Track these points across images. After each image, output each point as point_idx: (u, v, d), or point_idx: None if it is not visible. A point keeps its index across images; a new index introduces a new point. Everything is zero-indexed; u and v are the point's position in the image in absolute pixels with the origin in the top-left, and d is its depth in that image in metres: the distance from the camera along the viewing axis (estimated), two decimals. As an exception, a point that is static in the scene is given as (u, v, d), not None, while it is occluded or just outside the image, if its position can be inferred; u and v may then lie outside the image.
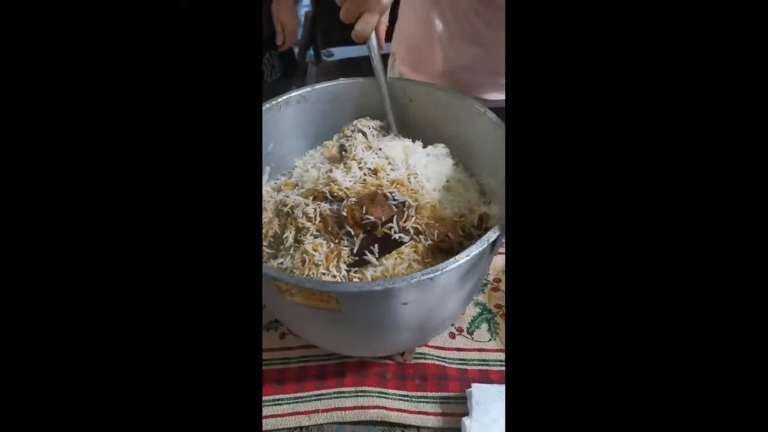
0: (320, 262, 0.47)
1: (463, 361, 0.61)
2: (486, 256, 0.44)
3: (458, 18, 0.76)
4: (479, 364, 0.60)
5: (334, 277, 0.47)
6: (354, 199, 0.52)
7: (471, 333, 0.64)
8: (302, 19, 1.51)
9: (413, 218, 0.50)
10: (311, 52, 1.53)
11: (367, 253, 0.47)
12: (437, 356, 0.61)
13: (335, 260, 0.47)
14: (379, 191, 0.52)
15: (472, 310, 0.66)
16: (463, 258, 0.39)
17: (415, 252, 0.49)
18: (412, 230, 0.49)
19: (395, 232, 0.48)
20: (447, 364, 0.60)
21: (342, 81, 0.65)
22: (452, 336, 0.63)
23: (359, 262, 0.48)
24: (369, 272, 0.48)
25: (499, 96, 0.84)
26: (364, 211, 0.51)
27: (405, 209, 0.50)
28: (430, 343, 0.62)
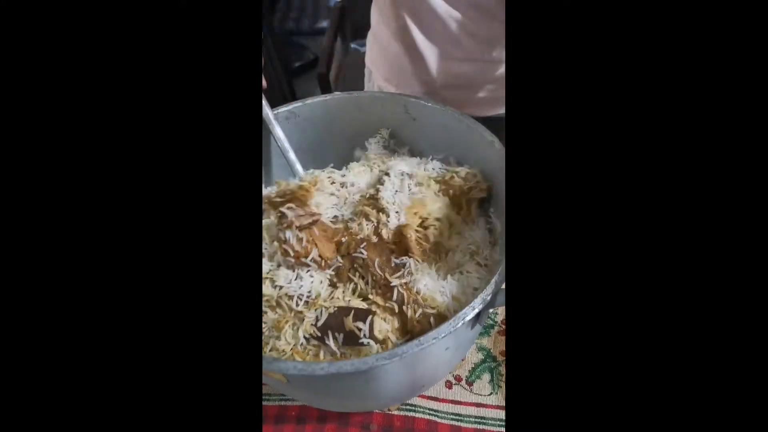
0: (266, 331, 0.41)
1: (458, 417, 0.54)
2: (467, 329, 0.37)
3: (440, 32, 0.68)
4: (476, 422, 0.54)
5: (289, 343, 0.41)
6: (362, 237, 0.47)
7: (470, 383, 0.56)
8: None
9: (405, 280, 0.44)
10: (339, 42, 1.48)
11: (329, 334, 0.41)
12: (429, 409, 0.54)
13: (290, 328, 0.41)
14: (388, 245, 0.48)
15: (474, 356, 0.58)
16: (429, 341, 0.33)
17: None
18: (396, 294, 0.42)
19: (364, 336, 0.41)
20: (439, 419, 0.54)
21: (337, 95, 0.58)
22: (449, 385, 0.56)
23: (320, 339, 0.42)
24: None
25: (491, 112, 0.76)
26: (363, 245, 0.45)
27: (402, 269, 0.45)
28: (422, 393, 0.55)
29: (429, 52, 0.69)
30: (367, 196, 0.52)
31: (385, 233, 0.47)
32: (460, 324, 0.33)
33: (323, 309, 0.42)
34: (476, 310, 0.34)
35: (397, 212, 0.49)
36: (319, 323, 0.41)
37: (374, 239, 0.48)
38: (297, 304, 0.43)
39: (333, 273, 0.46)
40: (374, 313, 0.41)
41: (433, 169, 0.55)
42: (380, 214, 0.49)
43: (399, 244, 0.48)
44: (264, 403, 0.56)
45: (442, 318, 0.41)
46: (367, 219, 0.48)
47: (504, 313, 0.62)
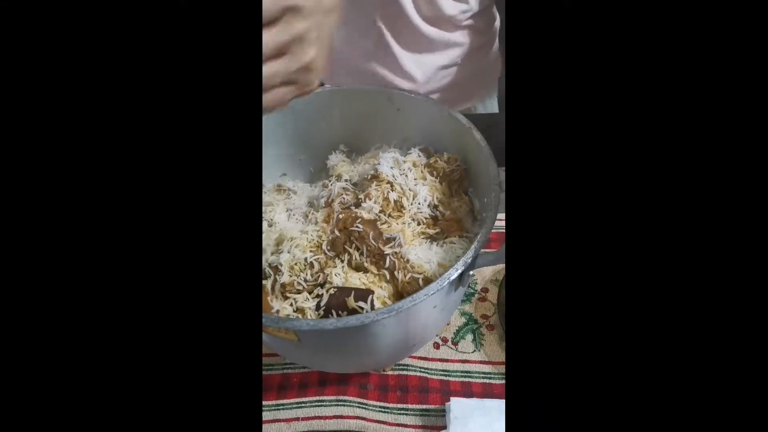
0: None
1: (446, 373, 0.61)
2: (451, 290, 0.43)
3: (417, 40, 0.73)
4: (462, 376, 0.60)
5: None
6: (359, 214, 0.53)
7: (456, 343, 0.63)
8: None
9: (396, 250, 0.50)
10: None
11: (333, 313, 0.46)
12: (420, 367, 0.61)
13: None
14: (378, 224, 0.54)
15: (457, 320, 0.65)
16: (421, 297, 0.39)
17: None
18: (388, 262, 0.48)
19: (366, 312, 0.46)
20: (429, 375, 0.60)
21: (327, 88, 0.64)
22: (436, 346, 0.63)
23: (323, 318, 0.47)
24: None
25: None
26: (358, 220, 0.51)
27: (393, 241, 0.50)
28: (413, 354, 0.62)
29: (407, 59, 0.75)
30: (369, 177, 0.58)
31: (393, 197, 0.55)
32: (446, 283, 0.40)
33: (324, 292, 0.47)
34: (459, 271, 0.40)
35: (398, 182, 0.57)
36: (322, 304, 0.46)
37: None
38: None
39: (328, 246, 0.52)
40: (373, 293, 0.46)
41: (419, 155, 0.62)
42: (385, 185, 0.56)
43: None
44: (267, 372, 0.61)
45: (428, 281, 0.47)
46: (376, 189, 0.56)
47: (483, 282, 0.69)
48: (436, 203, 0.57)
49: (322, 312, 0.46)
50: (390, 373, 0.60)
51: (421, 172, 0.60)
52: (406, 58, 0.75)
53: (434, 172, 0.60)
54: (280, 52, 0.35)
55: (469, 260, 0.41)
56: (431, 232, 0.55)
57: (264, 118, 0.60)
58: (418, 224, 0.55)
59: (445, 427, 0.54)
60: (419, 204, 0.56)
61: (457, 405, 0.54)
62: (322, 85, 0.58)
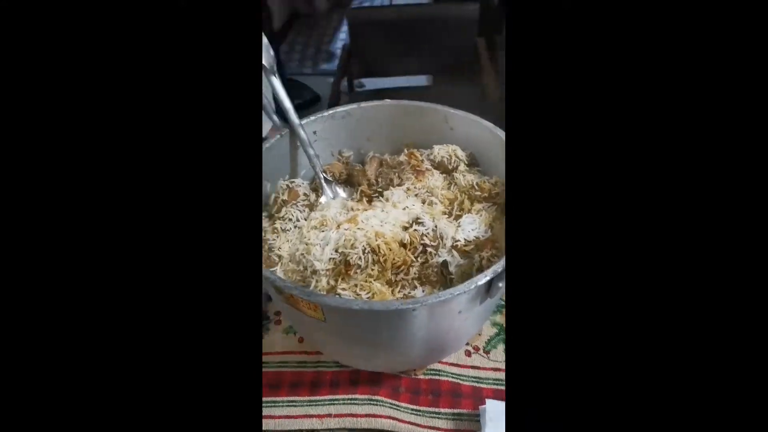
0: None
1: (478, 380, 0.62)
2: (479, 295, 0.45)
3: None
4: (494, 383, 0.61)
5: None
6: None
7: (487, 352, 0.65)
8: (339, 51, 1.67)
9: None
10: (345, 82, 1.61)
11: None
12: (452, 373, 0.63)
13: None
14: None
15: (489, 330, 0.67)
16: (445, 296, 0.41)
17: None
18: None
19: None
20: (461, 381, 0.62)
21: (388, 102, 0.69)
22: (468, 354, 0.65)
23: None
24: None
25: None
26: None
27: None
28: (444, 360, 0.64)
29: None
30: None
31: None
32: (473, 287, 0.42)
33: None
34: (488, 278, 0.42)
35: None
36: None
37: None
38: None
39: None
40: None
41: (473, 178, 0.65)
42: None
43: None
44: (301, 369, 0.64)
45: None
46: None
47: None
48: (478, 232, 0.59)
49: None
50: (422, 377, 0.62)
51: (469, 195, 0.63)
52: None
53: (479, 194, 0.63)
54: None
55: (499, 269, 0.43)
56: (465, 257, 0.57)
57: (326, 123, 0.67)
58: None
59: (478, 431, 0.55)
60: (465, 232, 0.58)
61: (492, 407, 0.55)
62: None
